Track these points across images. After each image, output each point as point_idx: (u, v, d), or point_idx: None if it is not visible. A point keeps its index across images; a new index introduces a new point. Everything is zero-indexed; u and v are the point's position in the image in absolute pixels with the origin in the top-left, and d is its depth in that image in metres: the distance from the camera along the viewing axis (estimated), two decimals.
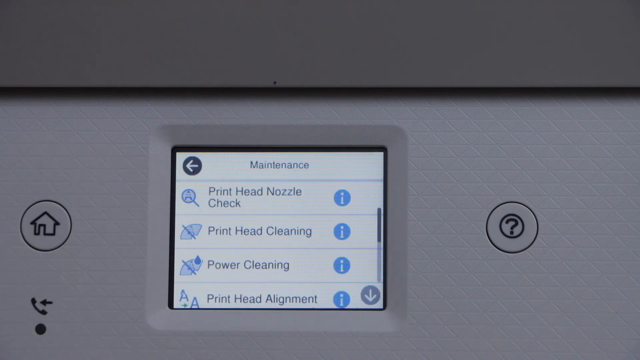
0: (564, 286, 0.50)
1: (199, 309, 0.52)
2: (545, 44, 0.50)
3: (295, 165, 0.52)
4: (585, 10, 0.50)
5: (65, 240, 0.51)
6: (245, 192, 0.52)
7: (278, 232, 0.52)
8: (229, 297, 0.52)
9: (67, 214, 0.51)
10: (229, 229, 0.52)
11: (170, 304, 0.52)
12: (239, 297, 0.52)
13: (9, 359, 0.50)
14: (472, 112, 0.52)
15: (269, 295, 0.52)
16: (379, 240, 0.52)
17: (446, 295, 0.51)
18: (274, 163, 0.52)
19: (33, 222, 0.51)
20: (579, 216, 0.51)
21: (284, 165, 0.52)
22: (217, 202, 0.52)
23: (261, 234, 0.52)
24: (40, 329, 0.51)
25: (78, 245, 0.51)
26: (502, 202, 0.51)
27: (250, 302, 0.52)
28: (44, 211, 0.51)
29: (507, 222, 0.51)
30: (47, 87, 0.51)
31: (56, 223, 0.51)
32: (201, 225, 0.52)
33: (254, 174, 0.52)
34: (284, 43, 0.50)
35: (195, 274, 0.52)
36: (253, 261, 0.52)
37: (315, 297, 0.52)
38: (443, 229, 0.51)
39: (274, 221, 0.52)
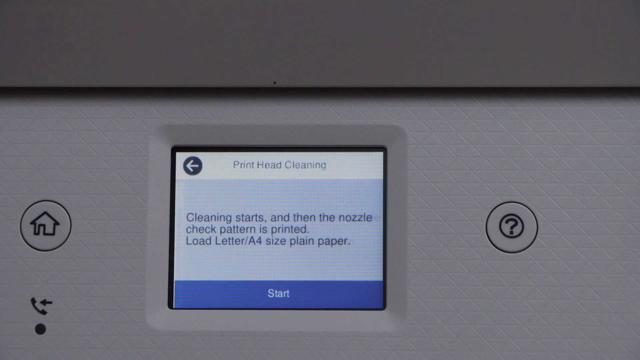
0: (563, 286, 0.50)
1: (198, 309, 0.52)
2: (545, 44, 0.50)
3: (295, 165, 0.52)
4: (585, 10, 0.50)
5: (65, 240, 0.51)
6: (245, 191, 0.52)
7: (278, 232, 0.52)
8: (228, 297, 0.52)
9: (67, 214, 0.51)
10: (230, 229, 0.52)
11: (170, 304, 0.52)
12: (239, 296, 0.52)
13: (9, 359, 0.50)
14: (472, 112, 0.52)
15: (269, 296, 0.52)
16: (378, 240, 0.52)
17: (446, 295, 0.51)
18: (273, 163, 0.52)
19: (33, 222, 0.51)
20: (579, 216, 0.51)
21: (283, 165, 0.52)
22: (217, 202, 0.52)
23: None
24: (40, 329, 0.51)
25: (78, 245, 0.51)
26: (501, 202, 0.51)
27: (250, 301, 0.52)
28: (43, 211, 0.51)
29: (506, 222, 0.51)
30: (47, 87, 0.51)
31: (56, 223, 0.51)
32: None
33: (254, 173, 0.52)
34: (284, 43, 0.50)
35: (195, 273, 0.52)
36: (254, 262, 0.52)
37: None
38: (443, 229, 0.51)
39: (274, 222, 0.52)
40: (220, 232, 0.52)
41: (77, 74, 0.51)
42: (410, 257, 0.51)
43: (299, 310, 0.51)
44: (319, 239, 0.52)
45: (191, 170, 0.53)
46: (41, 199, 0.52)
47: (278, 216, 0.52)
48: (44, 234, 0.51)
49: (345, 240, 0.52)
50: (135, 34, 0.51)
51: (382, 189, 0.52)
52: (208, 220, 0.52)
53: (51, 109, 0.52)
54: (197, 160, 0.53)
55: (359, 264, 0.52)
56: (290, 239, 0.52)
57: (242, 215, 0.52)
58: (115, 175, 0.52)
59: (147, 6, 0.51)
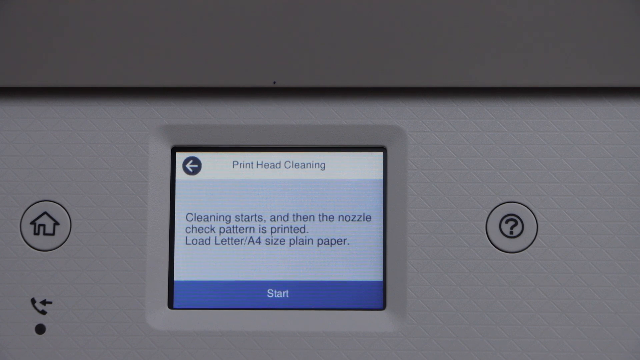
0: (563, 286, 0.50)
1: (198, 309, 0.52)
2: (544, 44, 0.50)
3: (294, 165, 0.52)
4: (584, 10, 0.50)
5: (65, 240, 0.51)
6: (244, 192, 0.52)
7: (278, 232, 0.52)
8: (228, 297, 0.52)
9: (66, 214, 0.51)
10: (230, 229, 0.52)
11: (170, 304, 0.52)
12: (239, 296, 0.52)
13: (9, 359, 0.50)
14: (471, 112, 0.52)
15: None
16: (378, 240, 0.52)
17: (446, 295, 0.50)
18: (273, 163, 0.52)
19: (33, 222, 0.51)
20: (579, 216, 0.51)
21: (283, 165, 0.52)
22: (217, 202, 0.52)
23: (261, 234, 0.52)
24: (40, 329, 0.51)
25: (78, 245, 0.51)
26: (501, 202, 0.51)
27: (250, 301, 0.52)
28: (43, 211, 0.51)
29: (506, 222, 0.51)
30: (47, 87, 0.52)
31: (56, 223, 0.51)
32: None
33: (253, 173, 0.52)
34: (283, 43, 0.50)
35: (194, 273, 0.52)
36: (253, 262, 0.52)
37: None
38: (443, 229, 0.51)
39: (274, 222, 0.52)
40: (220, 232, 0.52)
41: (77, 74, 0.51)
42: (410, 257, 0.51)
43: (299, 310, 0.51)
44: (318, 239, 0.52)
45: (190, 170, 0.53)
46: (41, 199, 0.52)
47: (277, 216, 0.52)
48: (44, 234, 0.51)
49: (344, 240, 0.52)
50: (135, 34, 0.51)
51: (381, 189, 0.52)
52: (207, 221, 0.52)
53: (51, 109, 0.52)
54: (196, 161, 0.53)
55: (358, 264, 0.52)
56: (290, 239, 0.52)
57: (242, 216, 0.52)
58: (115, 175, 0.52)
59: (147, 6, 0.51)
